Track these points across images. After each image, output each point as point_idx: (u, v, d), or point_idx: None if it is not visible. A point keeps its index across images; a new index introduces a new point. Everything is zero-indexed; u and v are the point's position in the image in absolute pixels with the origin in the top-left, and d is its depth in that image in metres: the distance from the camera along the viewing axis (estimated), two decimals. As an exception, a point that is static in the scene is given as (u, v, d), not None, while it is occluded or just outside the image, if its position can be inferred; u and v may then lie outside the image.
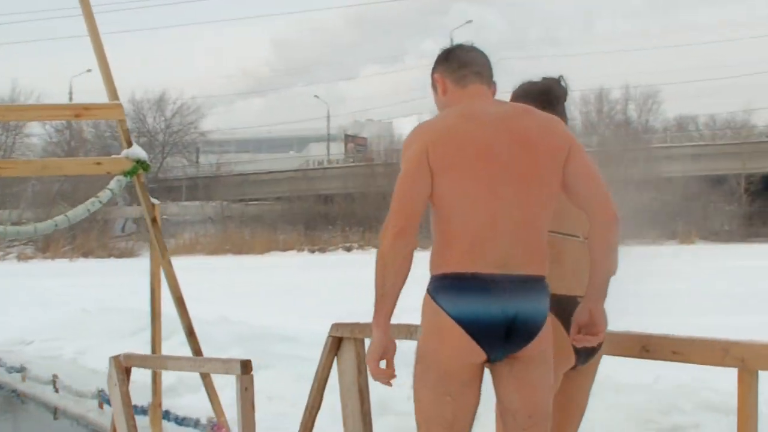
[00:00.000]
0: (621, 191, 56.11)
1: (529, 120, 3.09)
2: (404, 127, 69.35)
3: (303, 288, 22.01)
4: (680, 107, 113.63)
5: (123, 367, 5.26)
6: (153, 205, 6.88)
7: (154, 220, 6.87)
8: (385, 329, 3.06)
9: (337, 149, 72.68)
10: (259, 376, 4.83)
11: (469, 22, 70.33)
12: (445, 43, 3.73)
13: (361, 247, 50.08)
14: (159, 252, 6.85)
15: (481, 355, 3.03)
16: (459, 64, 3.21)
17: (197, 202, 59.74)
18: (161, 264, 6.86)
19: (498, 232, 2.99)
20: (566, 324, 3.27)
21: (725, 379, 3.74)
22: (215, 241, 51.95)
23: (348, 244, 50.97)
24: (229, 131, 72.45)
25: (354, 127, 76.54)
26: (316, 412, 4.69)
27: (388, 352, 3.08)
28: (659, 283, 17.16)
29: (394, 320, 3.11)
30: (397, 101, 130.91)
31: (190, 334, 6.90)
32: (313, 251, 49.97)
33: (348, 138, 73.31)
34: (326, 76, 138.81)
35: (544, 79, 3.55)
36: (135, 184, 6.87)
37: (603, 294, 3.18)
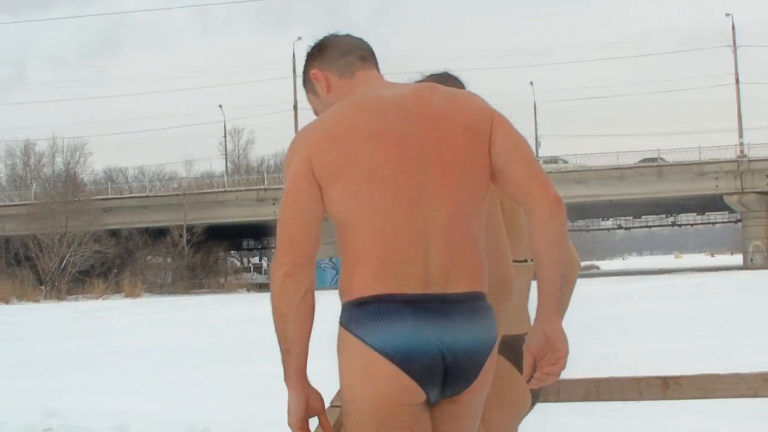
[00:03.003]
0: (72, 245, 54.66)
1: (436, 96, 2.51)
2: None
3: None
4: (108, 160, 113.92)
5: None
6: None
7: None
8: (300, 386, 2.43)
9: None
10: None
11: None
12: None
13: None
14: None
15: (420, 395, 2.36)
16: (339, 53, 2.65)
17: None
18: None
19: (415, 241, 2.38)
20: (518, 365, 2.82)
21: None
22: None
23: None
24: None
25: None
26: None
27: (313, 408, 2.45)
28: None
29: None
30: None
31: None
32: None
33: None
34: None
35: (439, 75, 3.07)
36: None
37: (560, 306, 2.45)
